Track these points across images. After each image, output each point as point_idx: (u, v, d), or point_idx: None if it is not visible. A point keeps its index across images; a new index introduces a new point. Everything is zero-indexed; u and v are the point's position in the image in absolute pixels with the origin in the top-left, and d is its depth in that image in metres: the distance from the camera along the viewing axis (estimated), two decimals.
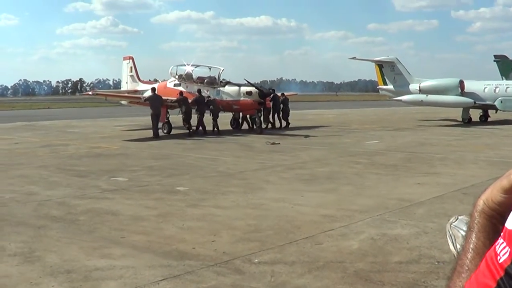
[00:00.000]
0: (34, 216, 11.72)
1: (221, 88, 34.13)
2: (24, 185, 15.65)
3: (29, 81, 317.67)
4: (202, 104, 32.51)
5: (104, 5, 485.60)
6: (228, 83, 34.84)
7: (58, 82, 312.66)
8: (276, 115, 37.56)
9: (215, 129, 32.92)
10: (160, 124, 31.79)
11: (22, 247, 9.24)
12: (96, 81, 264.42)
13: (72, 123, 45.96)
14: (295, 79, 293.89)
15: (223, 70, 35.44)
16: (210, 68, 36.50)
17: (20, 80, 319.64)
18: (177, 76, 36.50)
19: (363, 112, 62.65)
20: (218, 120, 33.05)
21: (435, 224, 10.35)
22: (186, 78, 35.95)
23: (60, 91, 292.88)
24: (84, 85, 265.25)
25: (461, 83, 39.48)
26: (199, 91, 33.02)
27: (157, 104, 31.35)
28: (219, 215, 11.60)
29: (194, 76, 36.04)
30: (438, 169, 17.99)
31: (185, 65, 36.73)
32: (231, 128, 35.98)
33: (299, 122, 42.19)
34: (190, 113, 32.18)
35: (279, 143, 26.21)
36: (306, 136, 30.65)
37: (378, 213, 11.55)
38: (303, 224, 10.64)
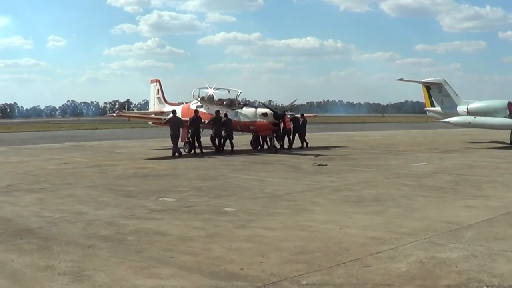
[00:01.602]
0: (83, 236, 11.85)
1: (239, 110, 36.11)
2: (73, 205, 15.86)
3: (77, 102, 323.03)
4: (218, 124, 34.36)
5: (151, 27, 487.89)
6: (245, 105, 36.88)
7: (105, 103, 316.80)
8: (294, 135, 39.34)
9: (230, 148, 34.72)
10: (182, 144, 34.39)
11: (72, 266, 9.34)
12: (143, 102, 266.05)
13: (120, 143, 46.58)
14: (341, 100, 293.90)
15: (240, 92, 37.46)
16: (229, 91, 38.46)
17: (68, 101, 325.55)
18: (199, 98, 38.35)
19: (410, 134, 62.30)
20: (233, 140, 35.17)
21: (484, 248, 10.24)
22: (207, 100, 37.85)
23: (108, 112, 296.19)
24: (132, 106, 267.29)
25: (510, 105, 38.80)
26: (217, 112, 34.91)
27: (175, 125, 33.59)
28: (267, 236, 11.58)
29: (216, 98, 37.98)
30: (486, 192, 17.76)
31: (207, 88, 38.39)
32: (251, 148, 37.72)
33: (346, 143, 42.13)
34: (196, 134, 34.14)
35: (326, 165, 26.16)
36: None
37: (426, 236, 11.43)
38: (351, 246, 10.59)
